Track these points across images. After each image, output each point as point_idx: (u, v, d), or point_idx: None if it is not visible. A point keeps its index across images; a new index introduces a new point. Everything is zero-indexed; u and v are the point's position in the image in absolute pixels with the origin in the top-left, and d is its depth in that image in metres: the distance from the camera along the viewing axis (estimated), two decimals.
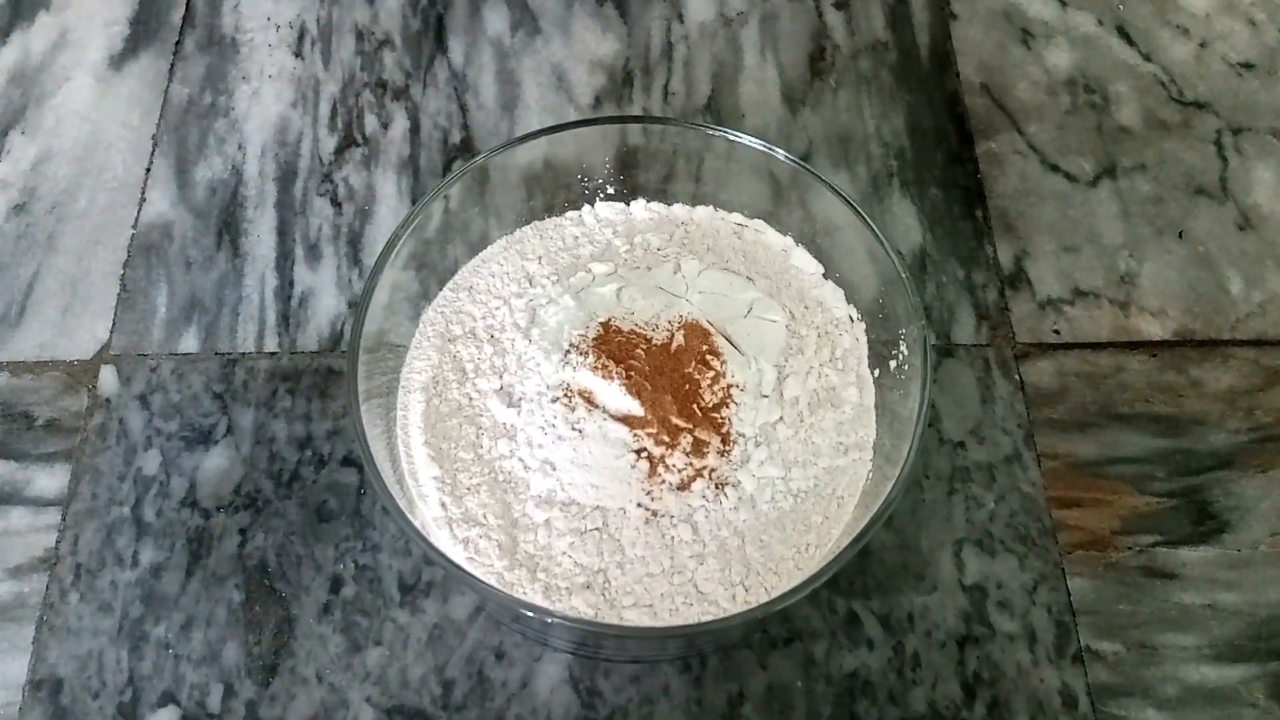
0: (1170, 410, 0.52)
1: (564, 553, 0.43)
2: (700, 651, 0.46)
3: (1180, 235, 0.58)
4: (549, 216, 0.52)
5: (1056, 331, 0.55)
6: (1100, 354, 0.54)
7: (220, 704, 0.45)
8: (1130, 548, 0.49)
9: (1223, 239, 0.58)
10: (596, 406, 0.44)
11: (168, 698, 0.45)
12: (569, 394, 0.44)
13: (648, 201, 0.52)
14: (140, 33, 0.64)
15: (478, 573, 0.42)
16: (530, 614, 0.39)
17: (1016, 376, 0.53)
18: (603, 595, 0.42)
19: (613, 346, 0.45)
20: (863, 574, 0.48)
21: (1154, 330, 0.55)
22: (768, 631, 0.46)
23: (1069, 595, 0.48)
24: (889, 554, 0.48)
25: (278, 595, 0.47)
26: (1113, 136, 0.61)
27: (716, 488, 0.44)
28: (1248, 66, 0.64)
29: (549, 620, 0.39)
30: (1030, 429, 0.52)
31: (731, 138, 0.49)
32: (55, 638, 0.46)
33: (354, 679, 0.45)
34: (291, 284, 0.55)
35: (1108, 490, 0.50)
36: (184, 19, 0.64)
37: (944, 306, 0.55)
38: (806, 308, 0.49)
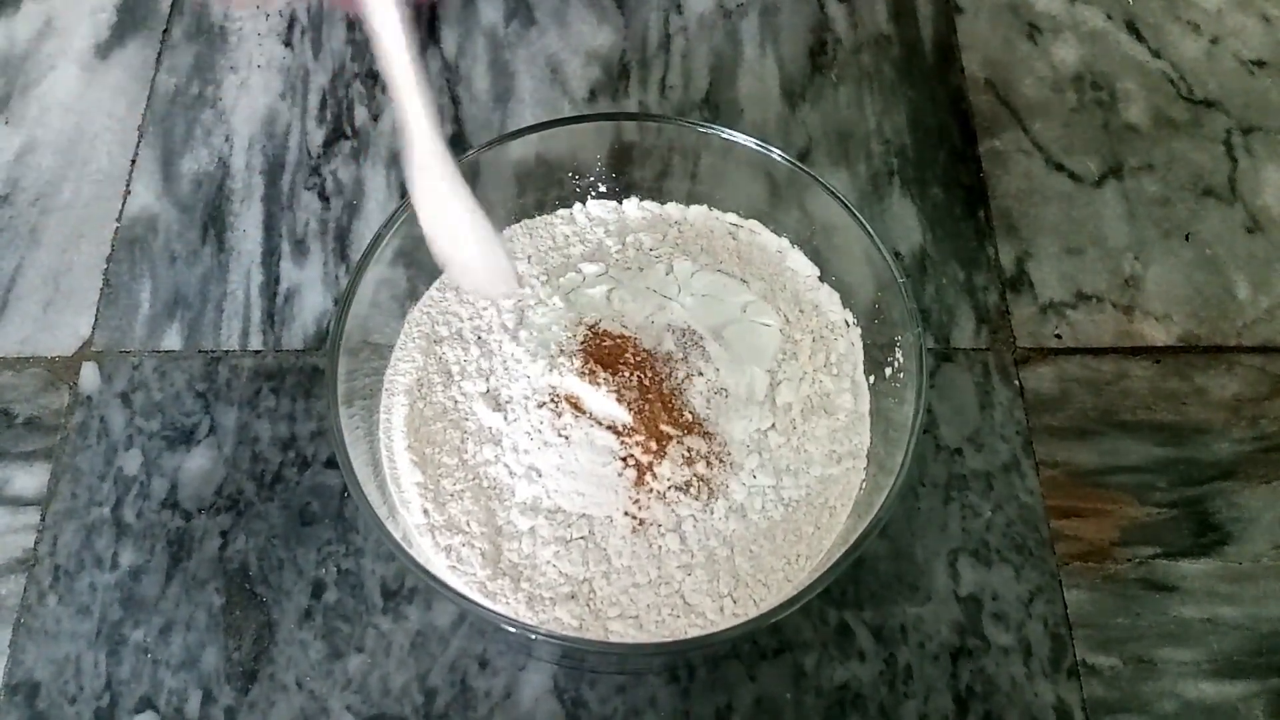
0: (1173, 418, 0.51)
1: (549, 562, 0.42)
2: (688, 662, 0.45)
3: (1187, 238, 0.57)
4: (539, 214, 0.51)
5: (1058, 336, 0.53)
6: (1102, 359, 0.53)
7: (199, 710, 0.44)
8: (1129, 559, 0.48)
9: (1230, 242, 0.56)
10: (584, 412, 0.43)
11: (145, 703, 0.44)
12: (556, 399, 0.43)
13: (640, 200, 0.51)
14: (127, 20, 0.62)
15: (460, 582, 0.41)
16: (512, 630, 0.38)
17: (1016, 382, 0.52)
18: (588, 606, 0.41)
19: (601, 351, 0.44)
20: (855, 584, 0.47)
21: (1158, 335, 0.54)
22: (757, 642, 0.46)
23: (1066, 607, 0.47)
24: (882, 563, 0.47)
25: (258, 600, 0.46)
26: (1119, 135, 0.60)
27: (706, 496, 0.43)
28: (1260, 64, 0.62)
29: (531, 636, 0.38)
30: (1029, 436, 0.50)
31: (727, 136, 0.48)
32: (32, 640, 0.45)
33: (334, 686, 0.44)
34: (277, 280, 0.54)
35: (1107, 500, 0.49)
36: (172, 6, 0.63)
37: (943, 309, 0.54)
38: (802, 311, 0.48)
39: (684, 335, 0.45)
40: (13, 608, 0.46)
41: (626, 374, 0.43)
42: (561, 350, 0.44)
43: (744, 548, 0.42)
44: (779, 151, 0.47)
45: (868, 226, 0.45)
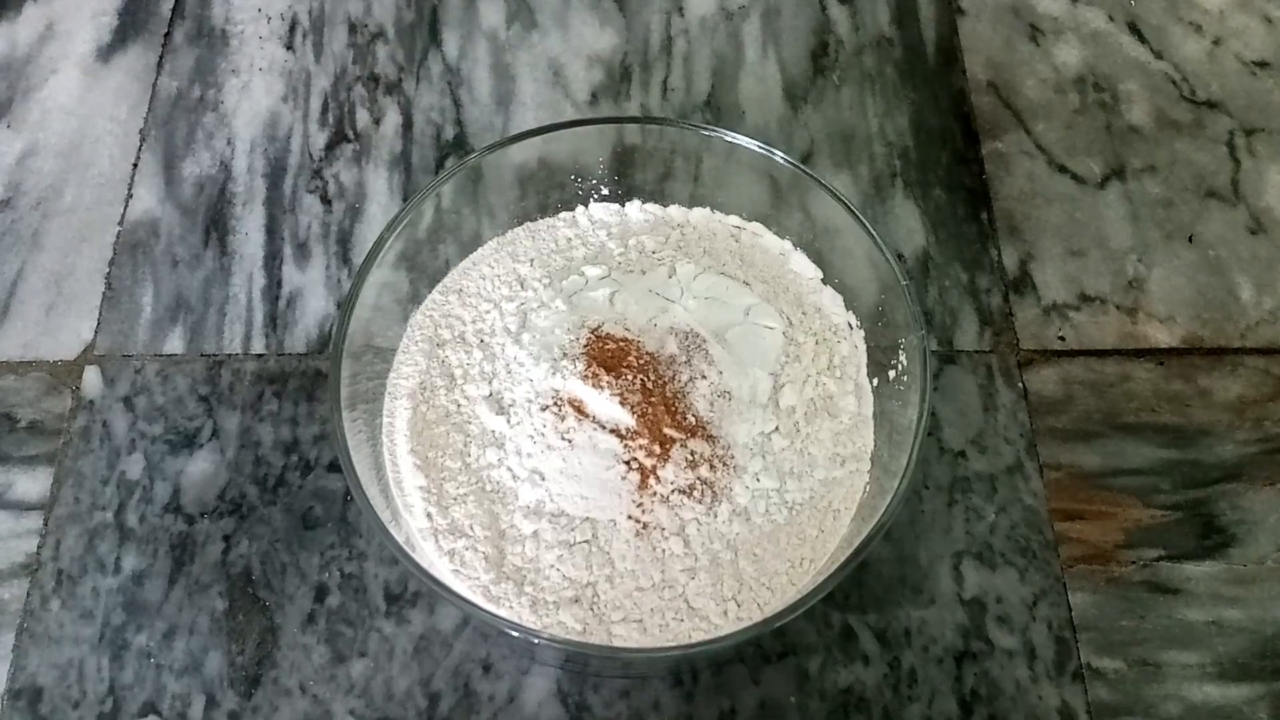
0: (1177, 420, 0.51)
1: (552, 565, 0.42)
2: (692, 666, 0.45)
3: (1190, 239, 0.56)
4: (542, 217, 0.51)
5: (1061, 338, 0.53)
6: (1106, 361, 0.53)
7: (202, 715, 0.44)
8: (1134, 562, 0.48)
9: (1234, 243, 0.56)
10: (587, 415, 0.43)
11: (149, 708, 0.44)
12: (559, 402, 0.43)
13: (643, 202, 0.51)
14: (128, 24, 0.62)
15: (463, 586, 0.41)
16: (515, 634, 0.38)
17: (1020, 384, 0.52)
18: (591, 610, 0.41)
19: (604, 354, 0.44)
20: (859, 587, 0.47)
21: (1162, 337, 0.53)
22: (761, 646, 0.45)
23: (1070, 610, 0.47)
24: (886, 567, 0.47)
25: (261, 604, 0.46)
26: (1122, 137, 0.59)
27: (709, 500, 0.42)
28: (1262, 65, 0.62)
29: (535, 640, 0.38)
30: (1033, 438, 0.50)
31: (730, 138, 0.48)
32: (35, 645, 0.45)
33: (338, 691, 0.44)
34: (279, 284, 0.54)
35: (1111, 502, 0.49)
36: (173, 10, 0.63)
37: (946, 311, 0.54)
38: (804, 314, 0.48)
39: (687, 338, 0.45)
40: (15, 612, 0.46)
41: (629, 377, 0.43)
42: (564, 353, 0.44)
43: (748, 551, 0.42)
44: (781, 154, 0.47)
45: (870, 229, 0.45)
